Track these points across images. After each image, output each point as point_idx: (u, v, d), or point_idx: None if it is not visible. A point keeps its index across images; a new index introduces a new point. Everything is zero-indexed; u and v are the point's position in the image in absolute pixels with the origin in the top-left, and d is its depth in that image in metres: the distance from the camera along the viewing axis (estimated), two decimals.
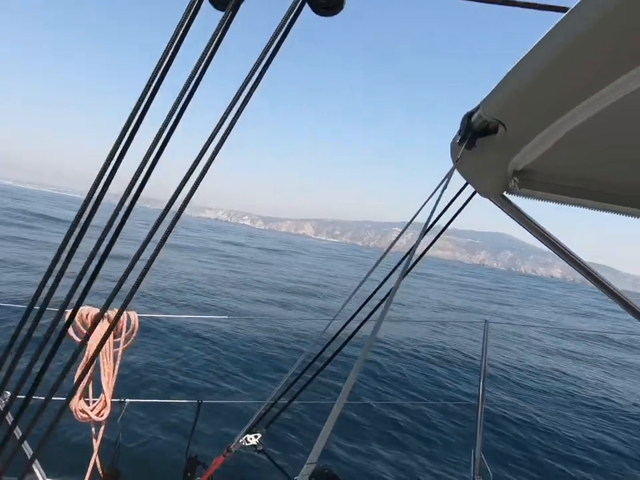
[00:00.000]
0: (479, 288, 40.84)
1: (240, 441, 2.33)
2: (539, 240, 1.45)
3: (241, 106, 0.81)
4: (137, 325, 2.86)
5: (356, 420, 5.90)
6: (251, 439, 2.35)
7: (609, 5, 0.61)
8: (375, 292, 1.89)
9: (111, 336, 2.87)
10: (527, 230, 1.42)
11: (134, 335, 2.87)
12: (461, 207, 1.65)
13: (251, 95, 0.81)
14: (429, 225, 1.07)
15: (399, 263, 1.70)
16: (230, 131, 0.81)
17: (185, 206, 0.83)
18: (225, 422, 5.22)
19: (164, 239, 0.82)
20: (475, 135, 0.96)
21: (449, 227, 1.73)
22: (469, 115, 0.95)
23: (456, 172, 1.19)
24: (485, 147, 0.99)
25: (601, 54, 0.69)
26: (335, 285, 22.92)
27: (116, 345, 2.83)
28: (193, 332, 8.90)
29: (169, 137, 0.80)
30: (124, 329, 2.84)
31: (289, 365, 7.62)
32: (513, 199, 1.32)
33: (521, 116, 0.89)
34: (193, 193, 0.81)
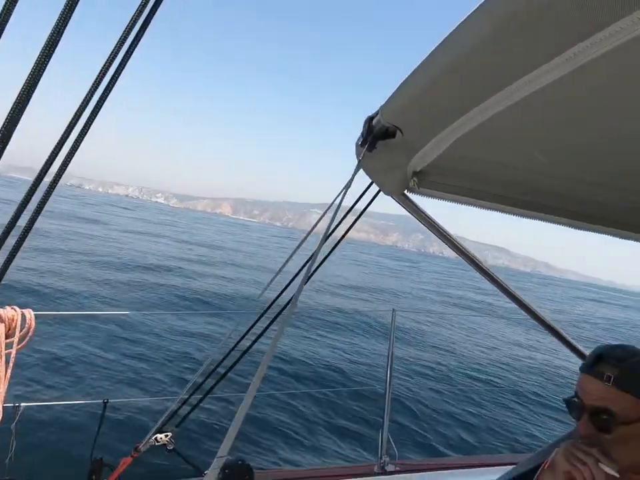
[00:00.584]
0: (387, 268, 42.92)
1: (149, 440, 2.26)
2: (436, 235, 1.57)
3: (123, 59, 0.73)
4: (33, 323, 2.66)
5: (268, 410, 5.97)
6: (161, 438, 2.29)
7: (498, 18, 0.66)
8: (289, 284, 1.90)
9: (2, 336, 2.64)
10: (425, 226, 1.53)
11: (30, 334, 2.66)
12: (367, 204, 1.71)
13: (136, 44, 0.72)
14: (334, 225, 1.11)
15: (305, 265, 1.69)
16: (112, 88, 0.73)
17: (60, 176, 0.74)
18: (135, 421, 5.01)
19: (36, 214, 0.74)
20: (375, 137, 1.03)
21: (361, 208, 1.78)
22: (370, 119, 1.01)
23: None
24: (385, 149, 1.06)
25: (492, 63, 0.74)
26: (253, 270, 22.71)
27: (9, 345, 2.62)
28: (95, 328, 8.39)
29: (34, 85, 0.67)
30: (17, 328, 2.63)
31: (201, 360, 7.47)
32: (413, 197, 1.42)
33: (416, 122, 0.96)
34: (69, 160, 0.72)
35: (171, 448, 2.31)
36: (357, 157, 1.10)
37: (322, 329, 11.30)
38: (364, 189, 1.63)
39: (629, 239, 1.58)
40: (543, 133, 0.99)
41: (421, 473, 2.70)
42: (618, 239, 1.63)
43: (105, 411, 2.73)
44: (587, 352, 1.71)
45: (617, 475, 1.14)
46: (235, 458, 2.61)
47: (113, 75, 0.74)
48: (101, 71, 0.73)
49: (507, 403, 7.99)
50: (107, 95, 0.75)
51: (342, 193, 1.11)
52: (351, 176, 1.07)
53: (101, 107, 0.75)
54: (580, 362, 1.40)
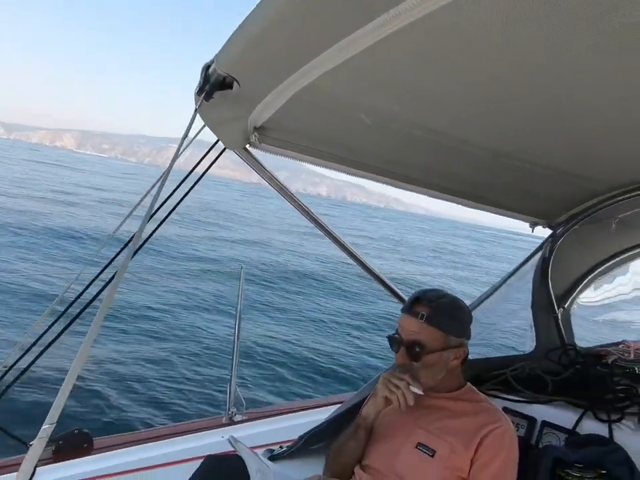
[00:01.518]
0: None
1: None
2: (278, 192, 1.63)
3: None
4: None
5: (106, 375, 5.66)
6: None
7: None
8: (125, 246, 1.72)
9: None
10: (267, 182, 1.57)
11: None
12: (213, 161, 1.66)
13: None
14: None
15: (146, 223, 1.55)
16: None
17: None
18: None
19: None
20: (212, 87, 1.00)
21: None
22: (207, 67, 0.98)
23: None
24: (224, 100, 1.05)
25: (311, 25, 0.76)
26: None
27: None
28: None
29: None
30: None
31: (25, 324, 6.69)
32: (255, 152, 1.43)
33: (252, 74, 0.96)
34: None
35: None
36: (195, 106, 1.06)
37: (166, 285, 10.91)
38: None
39: (439, 199, 1.84)
40: (366, 98, 1.08)
41: (266, 419, 2.87)
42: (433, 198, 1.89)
43: None
44: (405, 297, 1.98)
45: (422, 394, 1.39)
46: (72, 428, 2.45)
47: None
48: None
49: (341, 346, 8.82)
50: None
51: (182, 144, 1.06)
52: (187, 126, 1.03)
53: None
54: (400, 306, 1.63)
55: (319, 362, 7.67)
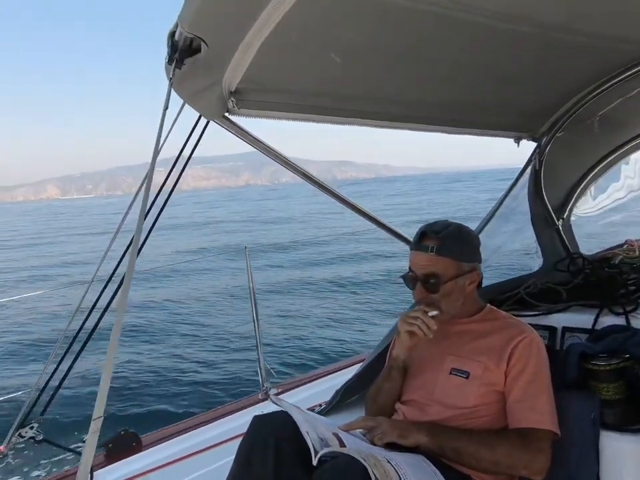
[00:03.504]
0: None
1: (12, 439, 2.04)
2: (267, 156, 1.62)
3: None
4: None
5: (137, 376, 5.77)
6: (26, 432, 2.08)
7: None
8: (124, 255, 1.70)
9: None
10: (256, 148, 1.57)
11: None
12: (199, 136, 1.61)
13: None
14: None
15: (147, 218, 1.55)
16: None
17: None
18: None
19: None
20: (182, 53, 1.00)
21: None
22: (172, 34, 0.98)
23: None
24: (195, 66, 1.04)
25: None
26: None
27: None
28: None
29: None
30: None
31: (51, 342, 6.82)
32: (237, 119, 1.42)
33: (216, 29, 0.96)
34: None
35: (41, 439, 2.12)
36: (167, 77, 1.06)
37: (175, 284, 10.90)
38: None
39: (422, 130, 1.84)
40: (336, 31, 1.07)
41: (301, 387, 2.94)
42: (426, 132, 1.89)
43: None
44: (409, 238, 2.00)
45: (438, 312, 1.43)
46: (120, 430, 2.53)
47: None
48: None
49: (361, 307, 8.90)
50: None
51: (162, 124, 1.05)
52: (165, 100, 1.04)
53: None
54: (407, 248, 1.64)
55: (336, 327, 7.76)
